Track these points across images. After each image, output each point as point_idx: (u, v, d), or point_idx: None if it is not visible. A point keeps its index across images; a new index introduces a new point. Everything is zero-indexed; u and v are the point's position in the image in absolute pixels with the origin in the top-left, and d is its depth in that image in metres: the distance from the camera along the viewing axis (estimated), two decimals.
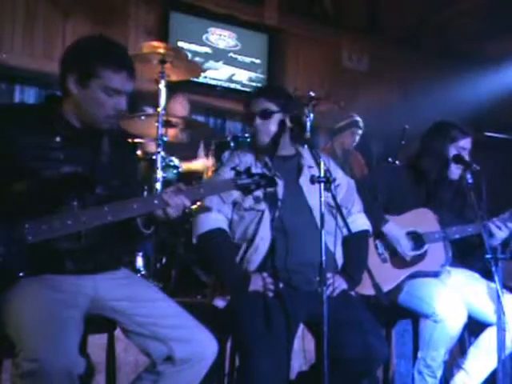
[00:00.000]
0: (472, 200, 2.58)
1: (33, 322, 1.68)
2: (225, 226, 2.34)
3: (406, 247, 2.70)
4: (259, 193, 2.29)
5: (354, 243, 2.41)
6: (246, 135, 3.94)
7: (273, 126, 2.37)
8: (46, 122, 1.93)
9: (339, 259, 2.40)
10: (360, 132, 5.02)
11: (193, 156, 4.29)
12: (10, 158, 1.85)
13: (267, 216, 2.30)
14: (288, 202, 2.34)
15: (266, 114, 2.37)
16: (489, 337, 2.58)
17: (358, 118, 5.03)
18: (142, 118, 3.72)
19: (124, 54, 1.99)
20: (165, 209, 1.91)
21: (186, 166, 4.01)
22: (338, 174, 2.53)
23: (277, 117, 2.38)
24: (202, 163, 4.15)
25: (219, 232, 2.32)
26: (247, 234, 2.31)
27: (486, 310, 2.61)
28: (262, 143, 2.39)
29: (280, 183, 2.36)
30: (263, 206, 2.31)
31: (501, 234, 2.72)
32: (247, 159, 2.43)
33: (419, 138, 2.99)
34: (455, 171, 2.80)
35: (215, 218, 2.32)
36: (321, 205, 2.07)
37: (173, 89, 4.10)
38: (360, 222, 2.51)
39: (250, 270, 2.28)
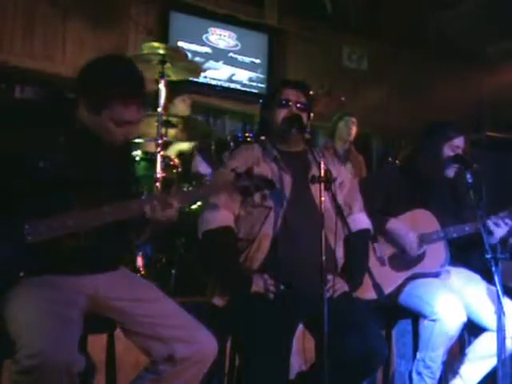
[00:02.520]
0: (471, 200, 2.58)
1: (32, 319, 1.68)
2: (232, 223, 2.32)
3: (412, 241, 2.68)
4: (266, 192, 2.29)
5: (355, 243, 2.40)
6: (246, 135, 3.94)
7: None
8: (50, 122, 1.93)
9: (340, 259, 2.40)
10: (354, 120, 4.99)
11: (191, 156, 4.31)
12: (13, 157, 1.85)
13: (273, 213, 2.29)
14: (295, 199, 2.34)
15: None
16: (484, 342, 2.58)
17: (341, 106, 5.01)
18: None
19: (136, 83, 1.93)
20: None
21: (174, 150, 4.05)
22: (342, 172, 2.53)
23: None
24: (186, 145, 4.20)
25: (226, 230, 2.30)
26: (253, 231, 2.30)
27: (483, 314, 2.61)
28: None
29: (288, 179, 2.36)
30: (271, 202, 2.31)
31: (498, 232, 2.71)
32: (255, 153, 2.43)
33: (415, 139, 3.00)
34: (450, 170, 2.80)
35: (223, 215, 2.30)
36: (320, 204, 2.07)
37: (174, 89, 4.11)
38: (361, 220, 2.51)
39: (253, 269, 2.28)
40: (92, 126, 1.93)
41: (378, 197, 2.78)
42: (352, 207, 2.50)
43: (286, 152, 2.44)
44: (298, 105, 2.43)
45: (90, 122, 1.92)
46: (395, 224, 2.70)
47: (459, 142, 2.80)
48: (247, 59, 6.18)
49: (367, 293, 2.38)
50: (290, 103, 2.42)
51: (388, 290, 2.65)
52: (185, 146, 4.24)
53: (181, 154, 4.11)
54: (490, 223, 2.70)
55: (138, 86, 1.93)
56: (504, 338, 2.40)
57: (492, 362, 2.45)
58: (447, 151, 2.79)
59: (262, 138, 2.52)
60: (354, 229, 2.35)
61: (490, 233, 2.69)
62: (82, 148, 1.95)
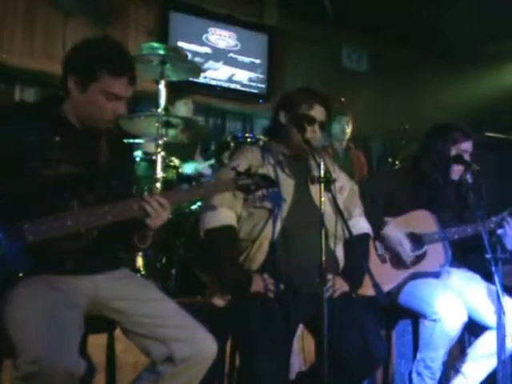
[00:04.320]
0: (472, 200, 2.58)
1: (33, 323, 1.68)
2: (235, 223, 2.32)
3: (406, 249, 2.70)
4: (266, 192, 2.28)
5: (355, 246, 2.40)
6: (246, 135, 3.94)
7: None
8: (46, 122, 1.93)
9: (340, 260, 2.41)
10: (346, 119, 4.97)
11: (191, 157, 4.32)
12: (11, 157, 1.85)
13: (275, 215, 2.29)
14: (296, 201, 2.35)
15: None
16: (487, 341, 2.59)
17: (338, 105, 4.99)
18: (142, 117, 3.72)
19: (126, 58, 1.98)
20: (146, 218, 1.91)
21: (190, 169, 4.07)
22: (342, 178, 2.54)
23: None
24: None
25: (229, 229, 2.30)
26: (254, 232, 2.30)
27: (484, 313, 2.62)
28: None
29: (290, 182, 2.37)
30: (273, 204, 2.31)
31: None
32: (257, 154, 2.43)
33: (419, 140, 2.99)
34: (456, 172, 2.81)
35: (226, 214, 2.30)
36: (320, 204, 2.07)
37: (176, 91, 4.11)
38: (361, 225, 2.51)
39: (253, 270, 2.29)
40: (81, 107, 1.93)
41: (378, 198, 2.79)
42: (352, 212, 2.50)
43: (289, 156, 2.45)
44: (320, 125, 2.41)
45: (79, 103, 1.92)
46: (390, 231, 2.71)
47: (467, 146, 2.81)
48: (247, 59, 6.18)
49: (367, 289, 2.39)
50: (316, 122, 2.39)
51: (388, 287, 2.66)
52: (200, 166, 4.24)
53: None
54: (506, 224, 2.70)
55: (128, 62, 1.97)
56: (504, 338, 2.41)
57: (494, 360, 2.45)
58: (454, 154, 2.79)
59: (266, 139, 2.52)
60: (353, 233, 2.36)
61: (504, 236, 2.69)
62: (77, 145, 1.95)
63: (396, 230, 2.71)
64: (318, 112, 2.39)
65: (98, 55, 1.92)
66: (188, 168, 4.15)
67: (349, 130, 5.00)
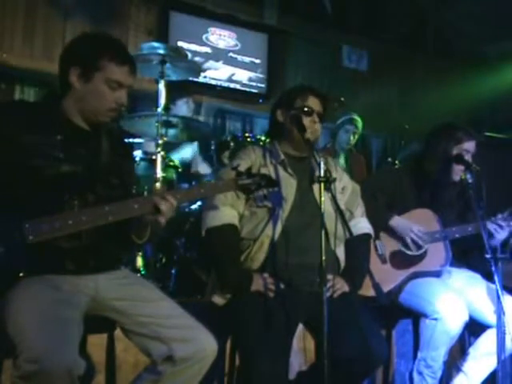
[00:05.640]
0: (472, 200, 2.58)
1: (33, 322, 1.67)
2: (237, 222, 2.33)
3: (418, 232, 2.69)
4: (267, 191, 2.29)
5: (356, 246, 2.41)
6: (246, 135, 3.94)
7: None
8: (46, 120, 1.93)
9: (341, 261, 2.41)
10: (355, 130, 4.97)
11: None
12: (11, 157, 1.84)
13: (276, 214, 2.30)
14: (298, 201, 2.35)
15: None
16: (488, 339, 2.59)
17: (354, 116, 4.99)
18: (142, 117, 3.72)
19: (126, 50, 2.02)
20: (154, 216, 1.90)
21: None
22: (344, 178, 2.54)
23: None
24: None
25: (231, 228, 2.30)
26: (255, 231, 2.31)
27: (485, 312, 2.62)
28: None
29: (293, 182, 2.37)
30: (275, 204, 2.31)
31: (501, 235, 2.72)
32: (260, 154, 2.44)
33: (422, 140, 2.99)
34: (458, 172, 2.80)
35: (228, 213, 2.31)
36: (320, 204, 2.07)
37: (176, 90, 4.11)
38: (362, 225, 2.52)
39: (253, 269, 2.29)
40: (85, 99, 1.93)
41: (381, 197, 2.79)
42: (353, 212, 2.51)
43: (292, 156, 2.45)
44: (319, 116, 2.42)
45: (82, 94, 1.93)
46: (398, 221, 2.71)
47: (469, 146, 2.81)
48: (247, 59, 6.17)
49: (367, 290, 2.38)
50: (314, 113, 2.41)
51: (388, 287, 2.66)
52: (188, 152, 4.27)
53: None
54: (492, 227, 2.70)
55: (128, 53, 2.00)
56: (504, 338, 2.41)
57: (495, 359, 2.45)
58: (455, 153, 2.79)
59: (268, 140, 2.52)
60: (354, 233, 2.36)
61: (491, 235, 2.69)
62: (78, 144, 1.95)
63: (403, 220, 2.71)
64: (313, 102, 2.42)
65: (101, 45, 1.95)
66: (185, 153, 4.17)
67: (354, 140, 5.02)
